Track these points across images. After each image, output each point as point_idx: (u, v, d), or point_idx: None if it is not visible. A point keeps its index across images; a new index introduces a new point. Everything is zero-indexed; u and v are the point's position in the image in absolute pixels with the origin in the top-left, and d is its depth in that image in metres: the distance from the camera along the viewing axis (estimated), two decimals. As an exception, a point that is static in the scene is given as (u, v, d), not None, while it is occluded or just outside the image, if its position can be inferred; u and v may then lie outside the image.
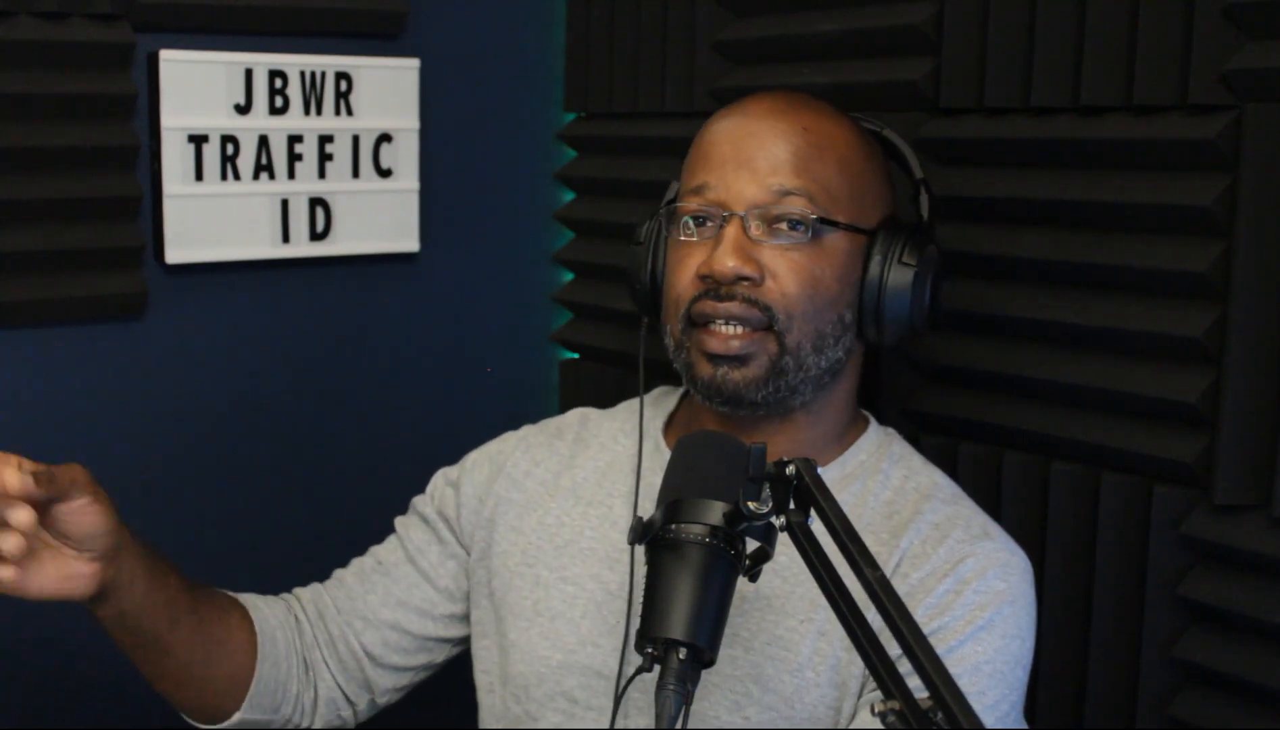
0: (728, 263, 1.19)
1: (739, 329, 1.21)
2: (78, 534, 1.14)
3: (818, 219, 1.20)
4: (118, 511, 1.17)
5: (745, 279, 1.20)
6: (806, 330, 1.21)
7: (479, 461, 1.42)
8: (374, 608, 1.39)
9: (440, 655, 1.42)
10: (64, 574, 1.15)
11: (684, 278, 1.24)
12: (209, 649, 1.30)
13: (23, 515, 1.06)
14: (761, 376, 1.21)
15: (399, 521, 1.45)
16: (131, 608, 1.22)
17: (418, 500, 1.45)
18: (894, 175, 1.33)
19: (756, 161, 1.21)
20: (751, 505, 0.95)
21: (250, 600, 1.38)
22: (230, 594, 1.37)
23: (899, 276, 1.23)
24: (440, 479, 1.44)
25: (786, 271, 1.20)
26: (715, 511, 0.95)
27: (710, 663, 0.94)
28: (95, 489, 1.14)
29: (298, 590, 1.44)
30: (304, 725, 1.39)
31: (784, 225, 1.21)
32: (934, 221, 1.32)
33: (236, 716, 1.32)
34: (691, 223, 1.24)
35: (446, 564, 1.39)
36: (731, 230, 1.20)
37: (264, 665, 1.34)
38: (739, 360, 1.21)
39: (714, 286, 1.21)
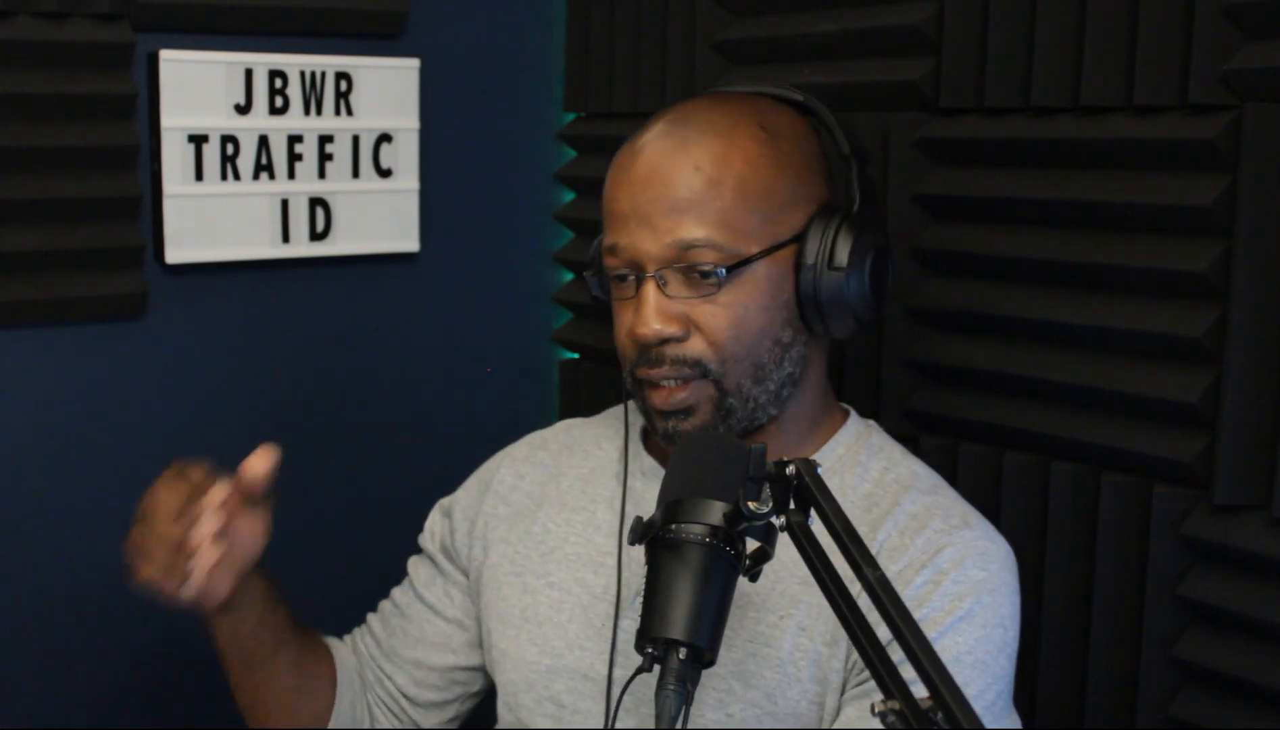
0: (651, 327, 1.20)
1: (676, 384, 1.21)
2: (238, 541, 1.20)
3: (726, 265, 1.19)
4: None
5: (669, 340, 1.20)
6: (743, 368, 1.21)
7: (469, 485, 1.45)
8: (397, 649, 1.43)
9: (476, 684, 1.44)
10: (211, 577, 1.19)
11: (621, 336, 1.25)
12: (302, 680, 1.37)
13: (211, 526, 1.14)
14: (709, 421, 1.22)
15: (410, 561, 1.48)
16: (247, 627, 1.28)
17: (421, 536, 1.47)
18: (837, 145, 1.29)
19: (654, 216, 1.20)
20: (752, 505, 0.95)
21: (331, 641, 1.44)
22: (320, 635, 1.42)
23: (832, 279, 1.21)
24: (436, 511, 1.47)
25: (709, 320, 1.20)
26: (715, 511, 0.95)
27: (710, 663, 0.94)
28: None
29: (347, 638, 1.48)
30: None
31: (696, 275, 1.20)
32: (868, 199, 1.28)
33: None
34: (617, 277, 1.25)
35: (452, 594, 1.41)
36: (649, 293, 1.20)
37: (342, 703, 1.40)
38: (684, 413, 1.22)
39: (644, 351, 1.22)
